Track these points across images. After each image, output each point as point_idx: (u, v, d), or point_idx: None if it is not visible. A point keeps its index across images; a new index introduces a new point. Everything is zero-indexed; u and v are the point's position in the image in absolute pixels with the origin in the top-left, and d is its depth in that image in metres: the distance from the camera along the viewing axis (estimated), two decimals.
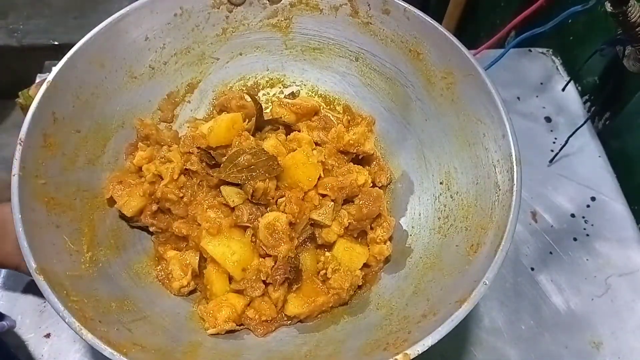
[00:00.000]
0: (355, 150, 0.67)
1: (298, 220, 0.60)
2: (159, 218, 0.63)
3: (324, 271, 0.60)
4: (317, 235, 0.62)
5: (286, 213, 0.59)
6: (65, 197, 0.57)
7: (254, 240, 0.60)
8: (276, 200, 0.61)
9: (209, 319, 0.56)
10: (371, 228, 0.65)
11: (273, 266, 0.59)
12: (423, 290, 0.57)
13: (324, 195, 0.62)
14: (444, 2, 1.30)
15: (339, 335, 0.57)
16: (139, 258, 0.62)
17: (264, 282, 0.59)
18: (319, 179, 0.62)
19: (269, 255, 0.59)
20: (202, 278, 0.61)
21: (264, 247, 0.59)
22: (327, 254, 0.62)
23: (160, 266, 0.61)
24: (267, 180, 0.60)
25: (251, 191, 0.59)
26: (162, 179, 0.61)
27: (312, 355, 0.54)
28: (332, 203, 0.61)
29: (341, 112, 0.74)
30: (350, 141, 0.66)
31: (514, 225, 0.51)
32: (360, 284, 0.61)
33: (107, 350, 0.44)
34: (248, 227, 0.60)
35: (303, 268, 0.61)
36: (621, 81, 0.85)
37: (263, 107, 0.70)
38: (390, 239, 0.64)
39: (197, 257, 0.60)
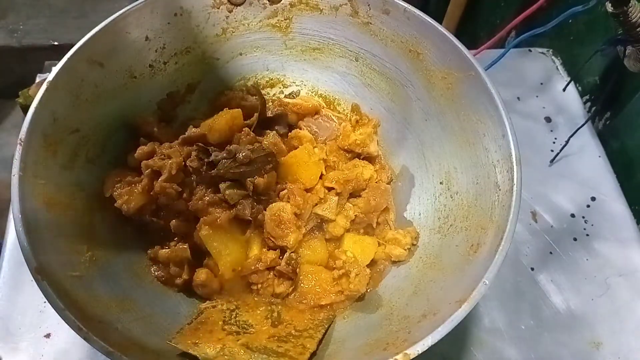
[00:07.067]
0: (359, 150, 0.67)
1: (303, 211, 0.60)
2: (159, 217, 0.63)
3: (340, 271, 0.60)
4: (324, 227, 0.62)
5: (290, 204, 0.59)
6: (65, 197, 0.56)
7: (256, 233, 0.60)
8: (278, 193, 0.61)
9: None
10: (378, 223, 0.64)
11: (278, 257, 0.59)
12: (423, 290, 0.57)
13: (330, 189, 0.62)
14: (444, 2, 1.30)
15: (339, 335, 0.57)
16: (139, 258, 0.62)
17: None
18: (320, 176, 0.62)
19: (274, 249, 0.59)
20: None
21: (272, 239, 0.58)
22: (343, 256, 0.62)
23: (155, 266, 0.61)
24: (266, 175, 0.60)
25: (251, 186, 0.59)
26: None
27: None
28: (336, 197, 0.61)
29: (342, 111, 0.74)
30: (357, 140, 0.66)
31: (514, 225, 0.51)
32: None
33: (107, 350, 0.44)
34: (250, 222, 0.60)
35: (313, 258, 0.61)
36: (621, 81, 0.85)
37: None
38: (412, 246, 0.64)
39: (187, 248, 0.60)
